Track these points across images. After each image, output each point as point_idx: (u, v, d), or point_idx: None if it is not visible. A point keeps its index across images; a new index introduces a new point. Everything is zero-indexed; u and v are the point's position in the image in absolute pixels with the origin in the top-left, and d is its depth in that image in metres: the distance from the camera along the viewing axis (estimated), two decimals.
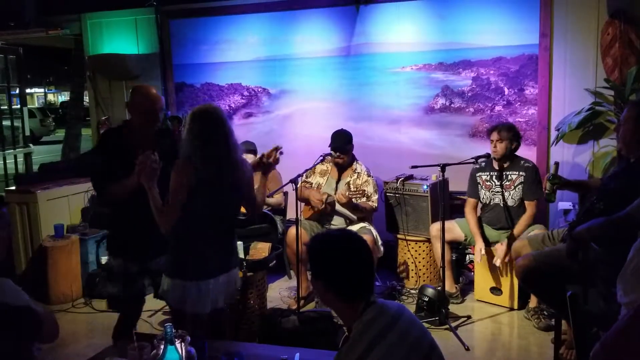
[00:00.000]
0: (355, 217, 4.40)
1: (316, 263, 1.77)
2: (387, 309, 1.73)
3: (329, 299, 1.75)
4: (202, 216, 2.68)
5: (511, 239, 4.09)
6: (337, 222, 4.45)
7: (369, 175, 4.46)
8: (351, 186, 4.42)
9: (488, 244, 4.30)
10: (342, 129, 4.53)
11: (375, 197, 4.42)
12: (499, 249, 4.14)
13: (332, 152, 4.41)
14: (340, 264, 1.72)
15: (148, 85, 3.10)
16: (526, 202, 4.19)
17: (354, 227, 4.35)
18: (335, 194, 4.43)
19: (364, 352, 1.62)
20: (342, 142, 4.42)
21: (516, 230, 4.13)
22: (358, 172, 4.47)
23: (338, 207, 4.34)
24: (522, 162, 4.25)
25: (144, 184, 2.66)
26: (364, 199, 4.33)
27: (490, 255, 4.28)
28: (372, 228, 4.40)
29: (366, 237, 4.17)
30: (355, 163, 4.52)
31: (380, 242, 4.40)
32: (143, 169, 2.66)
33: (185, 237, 2.69)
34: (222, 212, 2.75)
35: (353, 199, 4.21)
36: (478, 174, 4.38)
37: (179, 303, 2.68)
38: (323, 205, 4.34)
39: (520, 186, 4.20)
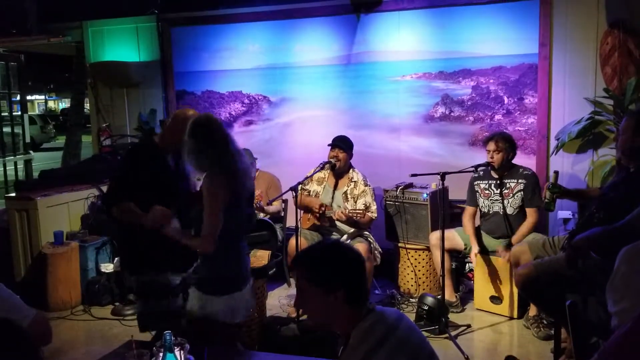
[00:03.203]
0: (353, 229, 4.38)
1: (329, 267, 1.76)
2: (387, 316, 1.74)
3: (330, 304, 1.73)
4: (231, 229, 2.67)
5: (508, 246, 4.11)
6: (337, 234, 4.44)
7: (366, 185, 4.44)
8: (348, 196, 4.42)
9: (487, 252, 4.30)
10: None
11: (374, 207, 4.41)
12: (501, 250, 4.17)
13: (329, 151, 4.44)
14: (354, 267, 1.77)
15: (186, 111, 3.03)
16: (527, 210, 4.19)
17: (343, 238, 4.34)
18: (332, 201, 4.43)
19: (365, 358, 1.62)
20: (341, 142, 4.45)
21: (515, 237, 4.13)
22: (355, 181, 4.46)
23: (334, 217, 4.33)
24: (521, 170, 4.26)
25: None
26: (367, 214, 4.30)
27: (490, 265, 4.28)
28: (370, 236, 4.39)
29: (361, 245, 4.18)
30: (352, 171, 4.52)
31: (377, 251, 4.39)
32: (154, 223, 2.72)
33: (220, 252, 2.65)
34: (246, 223, 2.82)
35: (353, 217, 4.16)
36: (476, 182, 4.39)
37: (222, 315, 2.67)
38: (324, 209, 4.31)
39: (519, 194, 4.20)
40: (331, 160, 4.43)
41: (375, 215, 4.41)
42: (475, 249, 4.25)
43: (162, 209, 2.75)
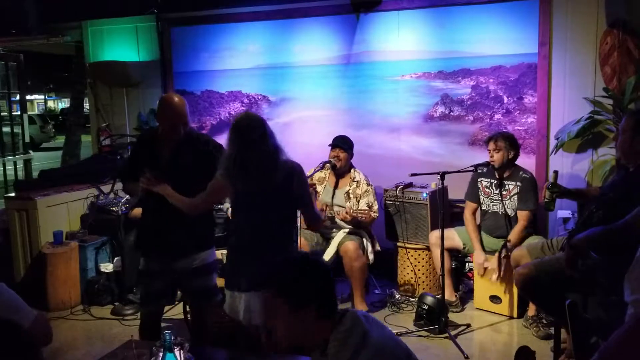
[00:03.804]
0: (350, 227, 4.38)
1: (297, 283, 1.73)
2: (358, 316, 1.74)
3: (301, 320, 1.71)
4: (253, 227, 2.80)
5: (505, 247, 4.11)
6: (338, 233, 4.44)
7: (368, 184, 4.46)
8: (350, 195, 4.43)
9: (486, 251, 4.30)
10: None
11: (376, 206, 4.43)
12: (491, 266, 4.18)
13: (330, 151, 4.45)
14: (323, 280, 1.75)
15: (172, 95, 3.20)
16: (519, 212, 4.19)
17: (338, 235, 4.35)
18: (332, 201, 4.43)
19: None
20: (342, 141, 4.46)
21: (511, 243, 4.13)
22: (357, 181, 4.47)
23: (337, 219, 4.33)
24: (520, 172, 4.26)
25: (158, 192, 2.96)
26: (370, 213, 4.30)
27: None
28: (365, 234, 4.39)
29: (351, 243, 4.19)
30: (353, 171, 4.53)
31: (369, 250, 4.37)
32: (145, 184, 2.98)
33: (243, 248, 2.80)
34: (270, 221, 2.82)
35: (358, 217, 4.16)
36: (479, 179, 4.39)
37: (244, 313, 2.72)
38: (325, 218, 4.33)
39: (515, 196, 4.21)
40: (331, 159, 4.44)
41: (377, 215, 4.42)
42: (480, 257, 4.24)
43: (147, 176, 2.99)
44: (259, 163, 2.73)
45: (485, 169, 4.32)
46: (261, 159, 2.74)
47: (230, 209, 3.47)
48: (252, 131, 2.76)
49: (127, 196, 4.80)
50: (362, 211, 4.16)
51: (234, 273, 2.83)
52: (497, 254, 4.17)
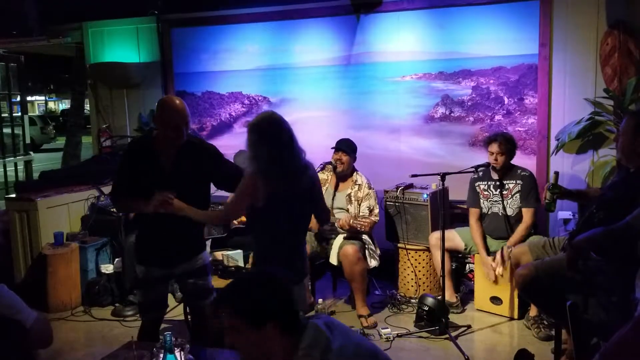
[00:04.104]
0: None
1: (256, 300, 1.67)
2: (319, 327, 1.69)
3: (263, 338, 1.65)
4: (280, 229, 2.79)
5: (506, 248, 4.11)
6: (338, 237, 4.43)
7: (370, 188, 4.45)
8: (352, 198, 4.42)
9: (488, 253, 4.30)
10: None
11: (377, 210, 4.42)
12: (497, 258, 4.15)
13: (333, 154, 4.45)
14: (283, 296, 1.69)
15: (173, 98, 3.06)
16: (523, 210, 4.19)
17: (338, 238, 4.35)
18: (333, 203, 4.43)
19: None
20: (345, 145, 4.46)
21: (511, 239, 4.13)
22: (359, 184, 4.46)
23: (337, 225, 4.32)
24: (519, 171, 4.26)
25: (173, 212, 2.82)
26: (371, 218, 4.29)
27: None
28: (366, 238, 4.38)
29: (351, 247, 4.18)
30: (355, 174, 4.52)
31: (373, 254, 4.37)
32: (159, 207, 2.81)
33: (269, 248, 2.80)
34: (296, 222, 2.86)
35: (358, 227, 4.15)
36: (477, 184, 4.39)
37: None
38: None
39: (517, 195, 4.20)
40: (332, 161, 4.44)
41: (378, 218, 4.41)
42: (487, 260, 4.22)
43: (163, 194, 2.81)
44: (294, 162, 2.77)
45: (480, 173, 4.31)
46: (295, 158, 2.78)
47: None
48: (283, 131, 2.78)
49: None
50: (360, 222, 4.14)
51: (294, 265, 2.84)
52: (500, 249, 4.16)
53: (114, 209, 4.92)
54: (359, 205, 4.39)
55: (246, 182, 2.77)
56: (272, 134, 2.75)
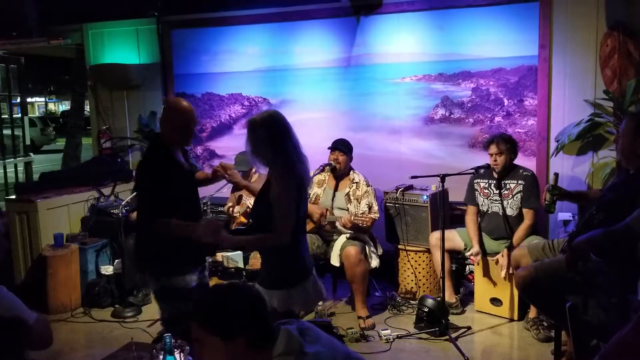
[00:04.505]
0: (352, 231, 4.37)
1: (225, 314, 1.62)
2: (291, 332, 1.66)
3: (231, 353, 1.61)
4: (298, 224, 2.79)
5: (511, 249, 4.09)
6: (337, 236, 4.43)
7: (368, 185, 4.46)
8: (351, 197, 4.43)
9: (486, 254, 4.30)
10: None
11: (376, 207, 4.43)
12: (501, 261, 4.14)
13: (329, 154, 4.47)
14: (253, 309, 1.64)
15: (180, 99, 3.04)
16: (524, 211, 4.19)
17: (340, 239, 4.35)
18: (332, 203, 4.43)
19: None
20: (342, 144, 4.47)
21: (515, 239, 4.13)
22: (357, 182, 4.47)
23: (338, 224, 4.33)
24: (521, 171, 4.26)
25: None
26: (370, 215, 4.30)
27: (487, 266, 4.28)
28: (367, 239, 4.38)
29: (353, 248, 4.18)
30: (352, 173, 4.53)
31: (373, 254, 4.37)
32: (208, 234, 2.66)
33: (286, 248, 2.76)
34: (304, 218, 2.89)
35: (359, 224, 4.16)
36: (476, 181, 4.39)
37: (280, 309, 2.73)
38: (325, 222, 4.34)
39: (519, 195, 4.20)
40: (331, 162, 4.45)
41: (377, 215, 4.41)
42: (474, 249, 4.24)
43: (210, 220, 2.79)
44: (304, 158, 2.82)
45: (482, 171, 4.32)
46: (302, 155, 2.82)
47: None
48: (289, 128, 2.82)
49: (128, 198, 4.79)
50: (362, 218, 4.15)
51: (272, 271, 2.81)
52: (505, 250, 4.15)
53: (114, 211, 4.92)
54: (359, 203, 4.40)
55: (284, 185, 2.66)
56: (284, 129, 2.79)
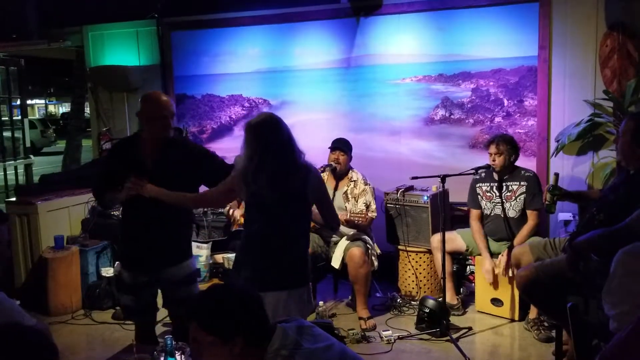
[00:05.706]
0: (353, 231, 4.37)
1: (222, 314, 1.64)
2: (286, 330, 1.67)
3: (230, 352, 1.62)
4: (257, 232, 2.74)
5: (511, 249, 4.09)
6: (337, 236, 4.43)
7: (366, 184, 4.45)
8: (349, 196, 4.42)
9: (490, 255, 4.29)
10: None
11: (374, 205, 4.42)
12: (501, 260, 4.14)
13: (330, 154, 4.46)
14: (249, 309, 1.66)
15: (158, 92, 3.12)
16: (528, 212, 4.19)
17: (341, 242, 4.34)
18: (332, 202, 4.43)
19: None
20: (342, 144, 4.48)
21: (516, 240, 4.13)
22: (354, 180, 4.47)
23: None
24: (522, 172, 4.26)
25: (157, 198, 2.81)
26: (367, 214, 4.29)
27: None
28: (368, 239, 4.38)
29: (357, 249, 4.17)
30: (351, 171, 4.53)
31: (375, 255, 4.36)
32: (132, 189, 2.83)
33: (250, 251, 2.75)
34: (284, 224, 2.75)
35: (355, 221, 4.15)
36: (478, 185, 4.39)
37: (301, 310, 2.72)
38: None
39: (521, 196, 4.20)
40: (332, 163, 4.45)
41: (375, 214, 4.41)
42: (487, 266, 4.21)
43: (135, 178, 2.83)
44: (282, 166, 2.71)
45: (483, 174, 4.32)
46: (286, 159, 2.74)
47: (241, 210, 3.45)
48: (275, 133, 2.75)
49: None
50: (358, 215, 4.15)
51: (261, 272, 2.71)
52: (505, 251, 4.15)
53: (114, 213, 4.93)
54: (356, 202, 4.39)
55: (230, 178, 2.81)
56: (260, 135, 2.74)
